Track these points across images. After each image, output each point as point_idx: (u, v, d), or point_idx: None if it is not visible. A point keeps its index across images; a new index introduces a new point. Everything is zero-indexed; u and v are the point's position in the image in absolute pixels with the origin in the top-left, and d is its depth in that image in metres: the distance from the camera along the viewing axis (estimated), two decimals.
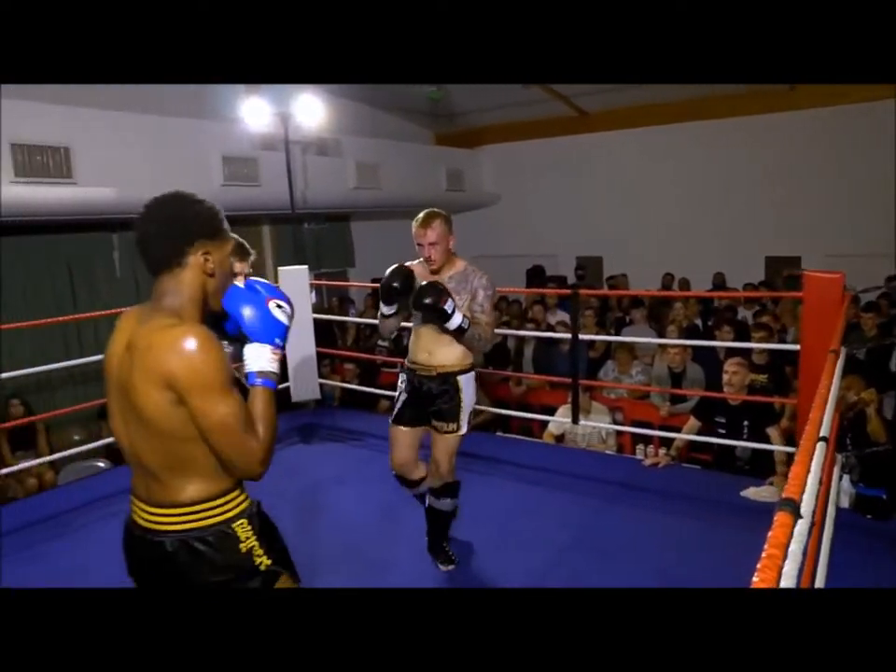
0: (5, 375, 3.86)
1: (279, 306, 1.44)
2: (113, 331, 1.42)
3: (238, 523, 1.44)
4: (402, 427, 2.78)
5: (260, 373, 1.40)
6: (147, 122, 6.24)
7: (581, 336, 3.78)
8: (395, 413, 2.79)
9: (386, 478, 2.99)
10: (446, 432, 2.69)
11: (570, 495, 3.51)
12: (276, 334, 1.42)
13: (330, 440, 4.55)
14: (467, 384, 2.70)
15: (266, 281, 1.50)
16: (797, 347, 3.30)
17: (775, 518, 0.95)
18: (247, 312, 1.41)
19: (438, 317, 2.45)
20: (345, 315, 7.57)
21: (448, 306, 2.41)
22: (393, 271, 2.52)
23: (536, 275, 9.64)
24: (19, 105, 5.35)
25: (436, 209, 2.61)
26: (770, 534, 0.91)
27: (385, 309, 2.63)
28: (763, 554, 0.86)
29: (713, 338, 5.43)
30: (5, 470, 4.56)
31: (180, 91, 6.68)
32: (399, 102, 9.34)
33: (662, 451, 4.31)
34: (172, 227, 1.37)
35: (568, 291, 3.88)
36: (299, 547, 1.72)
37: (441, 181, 9.72)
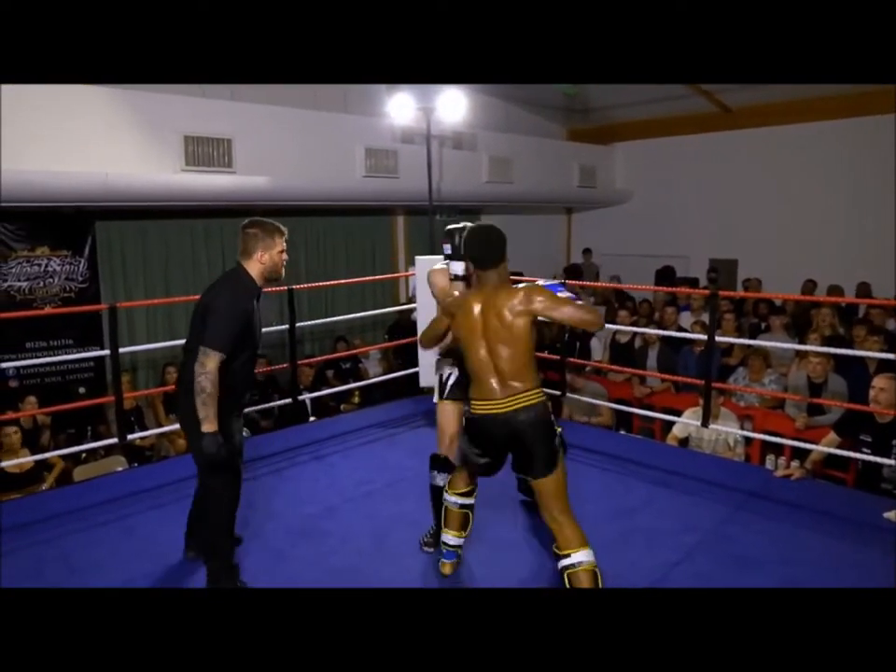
0: (157, 346, 4.62)
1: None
2: (459, 309, 2.46)
3: (547, 402, 2.41)
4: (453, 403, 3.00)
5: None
6: (300, 116, 6.66)
7: (717, 338, 3.70)
8: (448, 390, 2.99)
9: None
10: None
11: (698, 499, 3.47)
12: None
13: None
14: None
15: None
16: None
17: None
18: None
19: None
20: None
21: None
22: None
23: (665, 276, 9.36)
24: (194, 102, 5.90)
25: None
26: None
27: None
28: None
29: (854, 344, 5.11)
30: (156, 431, 5.10)
31: (331, 87, 7.08)
32: (533, 97, 9.37)
33: (794, 463, 4.14)
34: (495, 246, 2.45)
35: (706, 292, 3.80)
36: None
37: (573, 177, 9.67)
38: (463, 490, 2.70)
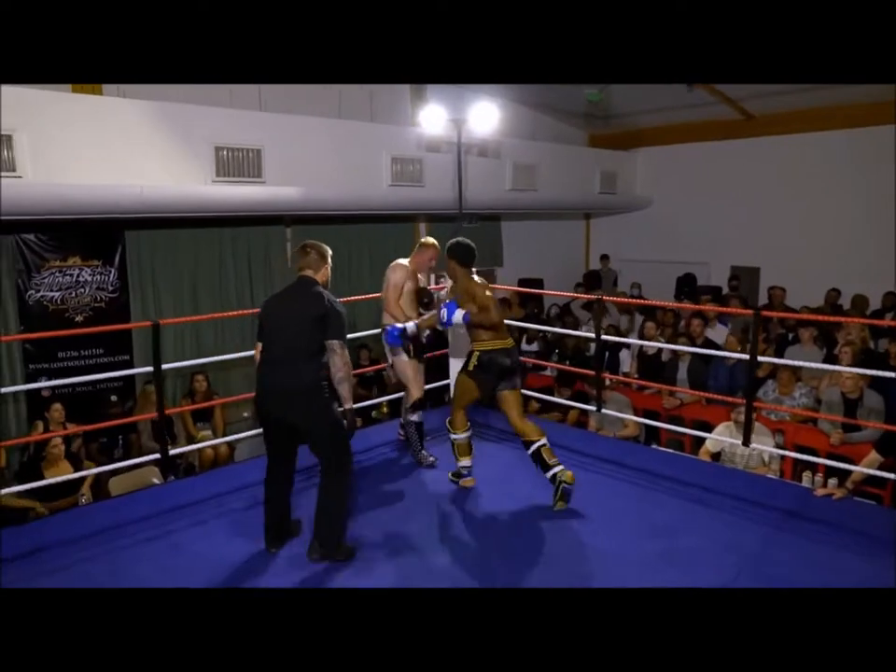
0: (188, 363, 4.82)
1: None
2: (481, 288, 3.71)
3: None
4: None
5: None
6: (327, 125, 6.68)
7: (759, 358, 3.70)
8: (413, 353, 4.14)
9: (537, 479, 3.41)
10: None
11: (736, 519, 3.46)
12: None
13: (477, 437, 4.64)
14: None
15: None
16: None
17: None
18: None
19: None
20: None
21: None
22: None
23: (687, 284, 9.32)
24: (225, 113, 5.94)
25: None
26: None
27: None
28: None
29: (888, 359, 5.08)
30: (189, 448, 5.16)
31: (357, 96, 7.09)
32: (557, 103, 9.35)
33: (832, 481, 4.12)
34: (471, 254, 3.77)
35: (750, 312, 3.81)
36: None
37: (594, 183, 9.63)
38: (465, 428, 3.86)
